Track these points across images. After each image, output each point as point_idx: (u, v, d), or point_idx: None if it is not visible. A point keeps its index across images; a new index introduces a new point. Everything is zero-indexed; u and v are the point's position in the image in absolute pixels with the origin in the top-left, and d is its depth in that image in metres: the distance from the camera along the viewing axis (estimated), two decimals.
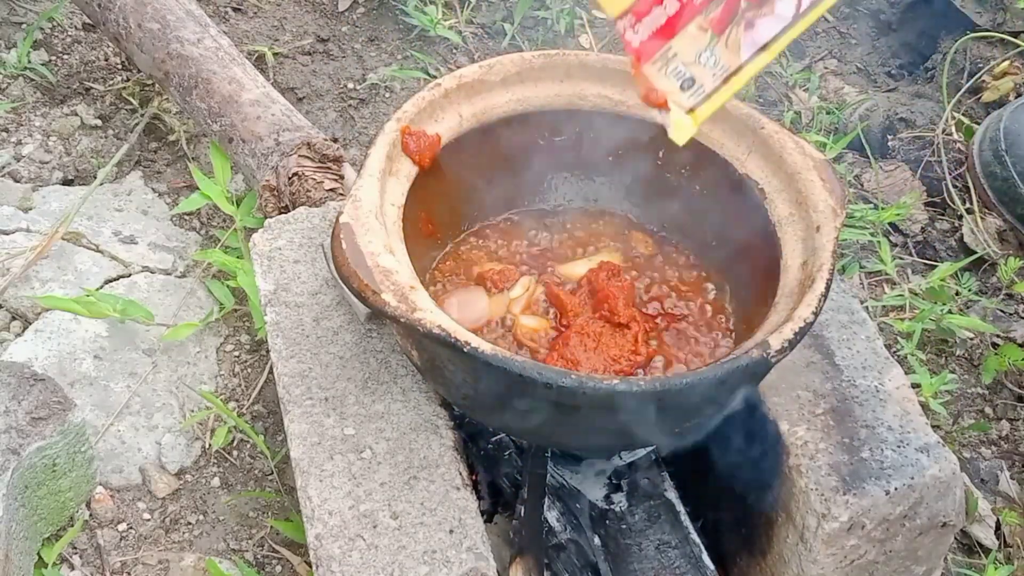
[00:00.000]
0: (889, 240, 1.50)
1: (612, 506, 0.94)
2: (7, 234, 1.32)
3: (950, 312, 1.39)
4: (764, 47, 0.69)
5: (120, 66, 1.64)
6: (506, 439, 0.99)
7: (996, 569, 1.12)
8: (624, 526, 0.92)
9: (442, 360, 0.78)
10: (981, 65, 1.72)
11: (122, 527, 1.10)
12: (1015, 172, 1.50)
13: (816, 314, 0.74)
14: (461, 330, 0.70)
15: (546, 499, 0.93)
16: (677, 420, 0.78)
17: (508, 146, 0.95)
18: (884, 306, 1.41)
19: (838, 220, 0.82)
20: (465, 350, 0.69)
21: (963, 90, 1.70)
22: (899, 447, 0.88)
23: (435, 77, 1.65)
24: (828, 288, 0.77)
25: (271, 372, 1.20)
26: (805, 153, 0.87)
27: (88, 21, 1.66)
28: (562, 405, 0.73)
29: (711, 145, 0.91)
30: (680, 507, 0.94)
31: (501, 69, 0.92)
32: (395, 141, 0.85)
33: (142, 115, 1.55)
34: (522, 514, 0.93)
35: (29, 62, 1.58)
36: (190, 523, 1.12)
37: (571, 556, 0.92)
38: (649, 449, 0.97)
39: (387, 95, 1.67)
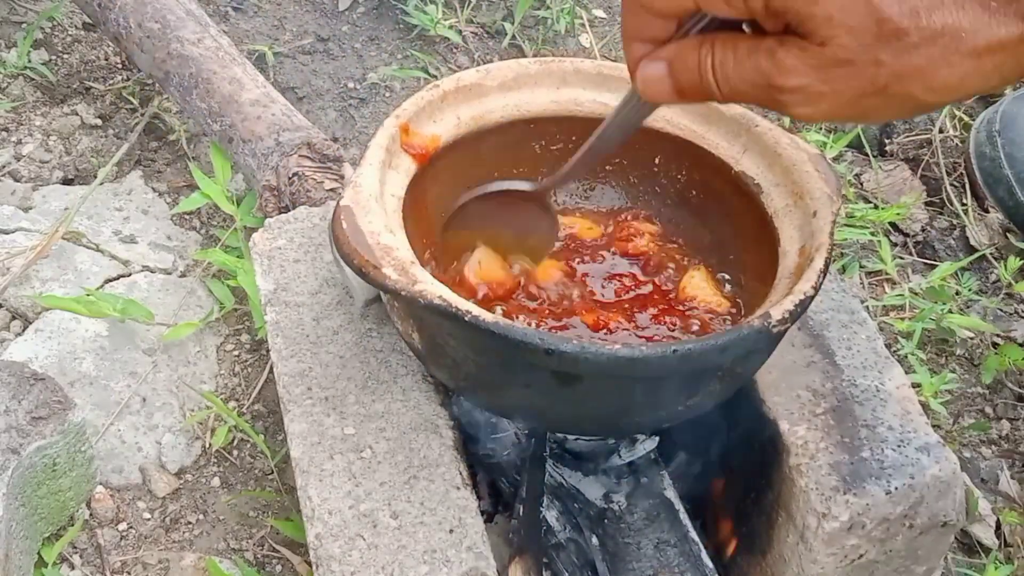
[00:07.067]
0: (889, 240, 1.50)
1: (611, 505, 0.94)
2: (7, 234, 1.32)
3: (950, 312, 1.39)
4: None
5: (120, 66, 1.64)
6: (506, 439, 0.99)
7: (996, 569, 1.12)
8: (623, 525, 0.92)
9: (443, 336, 0.77)
10: None
11: (122, 527, 1.10)
12: (1003, 153, 1.51)
13: (816, 288, 0.75)
14: (461, 300, 0.71)
15: (545, 498, 0.93)
16: (680, 393, 0.77)
17: (505, 152, 0.95)
18: (884, 306, 1.41)
19: (835, 205, 0.82)
20: (466, 319, 0.70)
21: None
22: (899, 447, 0.88)
23: (435, 77, 1.65)
24: (827, 265, 0.77)
25: (271, 372, 1.20)
26: (799, 147, 0.87)
27: (88, 21, 1.66)
28: (563, 374, 0.72)
29: (706, 147, 0.92)
30: (679, 506, 0.94)
31: (498, 74, 0.92)
32: (394, 136, 0.85)
33: (142, 115, 1.55)
34: (521, 514, 0.93)
35: (29, 61, 1.59)
36: (190, 522, 1.12)
37: (570, 555, 0.92)
38: (648, 449, 0.97)
39: (387, 94, 1.67)
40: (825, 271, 0.77)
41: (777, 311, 0.73)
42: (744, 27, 0.56)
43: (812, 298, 0.74)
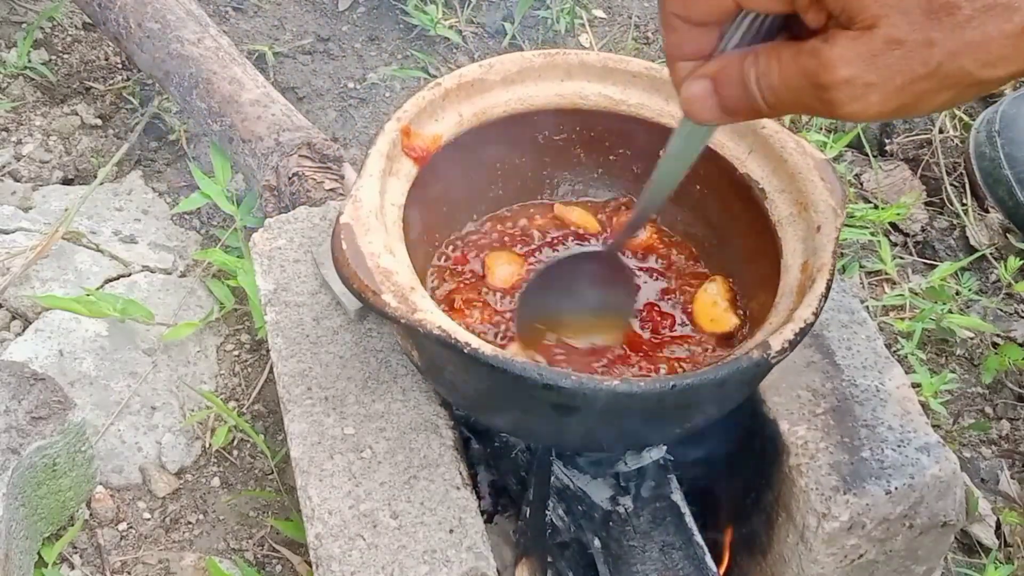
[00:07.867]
0: (889, 240, 1.50)
1: (617, 507, 0.94)
2: (7, 234, 1.32)
3: (950, 312, 1.39)
4: None
5: (120, 66, 1.64)
6: (508, 439, 0.99)
7: (996, 569, 1.12)
8: (629, 528, 0.92)
9: (442, 361, 0.78)
10: None
11: (122, 527, 1.10)
12: (1002, 153, 1.50)
13: (816, 314, 0.74)
14: (461, 331, 0.70)
15: (551, 500, 0.93)
16: (678, 421, 0.78)
17: (509, 146, 0.95)
18: (884, 306, 1.41)
19: (839, 220, 0.82)
20: (465, 351, 0.69)
21: None
22: (899, 447, 0.88)
23: (435, 76, 1.65)
24: (828, 288, 0.77)
25: (271, 372, 1.20)
26: (805, 153, 0.86)
27: (88, 20, 1.66)
28: (562, 406, 0.73)
29: (712, 145, 0.91)
30: (685, 509, 0.93)
31: (501, 68, 0.91)
32: (395, 141, 0.84)
33: (142, 115, 1.55)
34: (527, 515, 0.93)
35: (29, 61, 1.58)
36: (190, 522, 1.12)
37: (577, 557, 0.92)
38: (655, 458, 0.97)
39: (387, 95, 1.67)
40: (826, 295, 0.76)
41: (776, 341, 0.72)
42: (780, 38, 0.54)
43: (812, 324, 0.74)
